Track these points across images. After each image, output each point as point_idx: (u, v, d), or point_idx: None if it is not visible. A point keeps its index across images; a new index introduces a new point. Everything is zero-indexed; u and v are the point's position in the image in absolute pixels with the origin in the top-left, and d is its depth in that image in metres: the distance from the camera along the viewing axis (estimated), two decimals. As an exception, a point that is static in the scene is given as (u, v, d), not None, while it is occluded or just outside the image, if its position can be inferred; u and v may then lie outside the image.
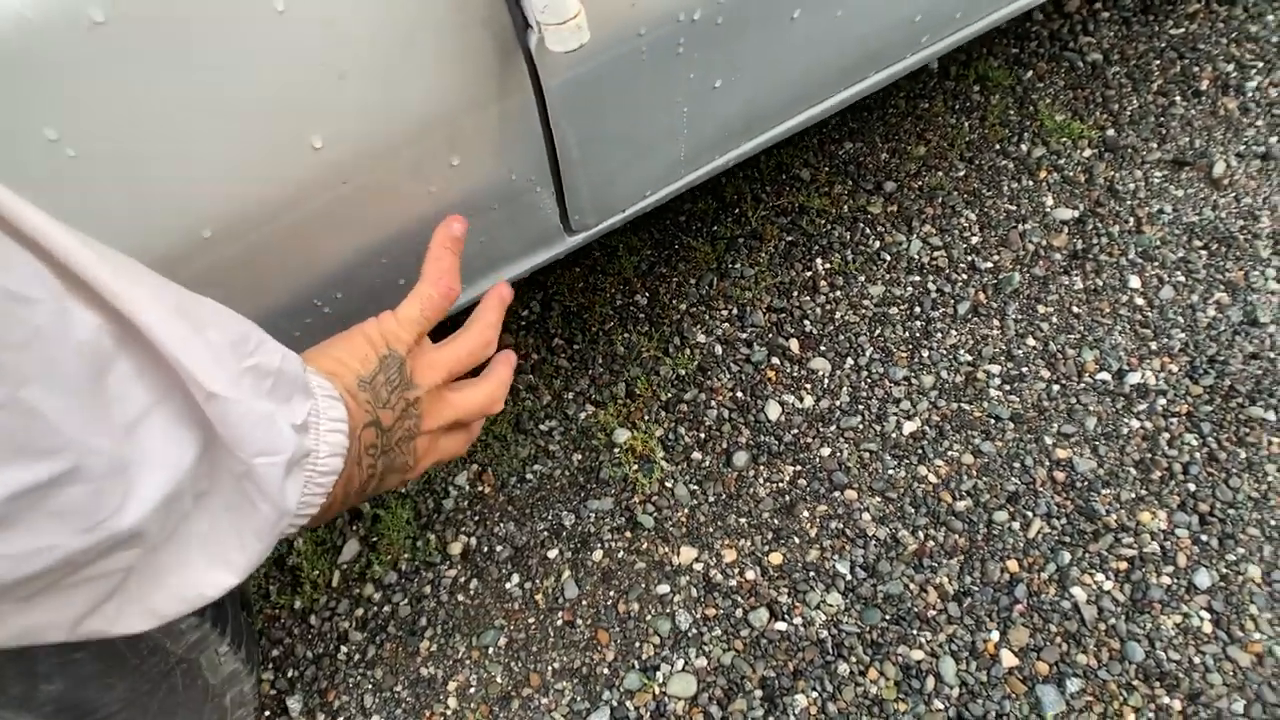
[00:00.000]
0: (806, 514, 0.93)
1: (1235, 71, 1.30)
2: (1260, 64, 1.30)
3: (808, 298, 1.12)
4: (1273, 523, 0.87)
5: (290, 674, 0.90)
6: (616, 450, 1.00)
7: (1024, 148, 1.26)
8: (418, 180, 0.51)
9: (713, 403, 1.03)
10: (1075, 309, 1.07)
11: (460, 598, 0.93)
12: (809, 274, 1.15)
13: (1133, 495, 0.91)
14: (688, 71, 0.56)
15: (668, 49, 0.53)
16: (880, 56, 0.73)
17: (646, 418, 1.03)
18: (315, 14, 0.40)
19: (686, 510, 0.95)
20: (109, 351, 0.25)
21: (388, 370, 0.42)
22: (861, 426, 0.99)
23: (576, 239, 0.67)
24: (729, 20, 0.54)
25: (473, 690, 0.87)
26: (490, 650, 0.89)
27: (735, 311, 1.12)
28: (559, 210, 0.62)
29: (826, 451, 0.97)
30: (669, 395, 1.05)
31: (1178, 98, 1.28)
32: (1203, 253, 1.11)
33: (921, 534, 0.90)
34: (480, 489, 1.01)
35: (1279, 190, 1.16)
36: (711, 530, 0.94)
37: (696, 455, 0.99)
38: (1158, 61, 1.34)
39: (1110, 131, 1.25)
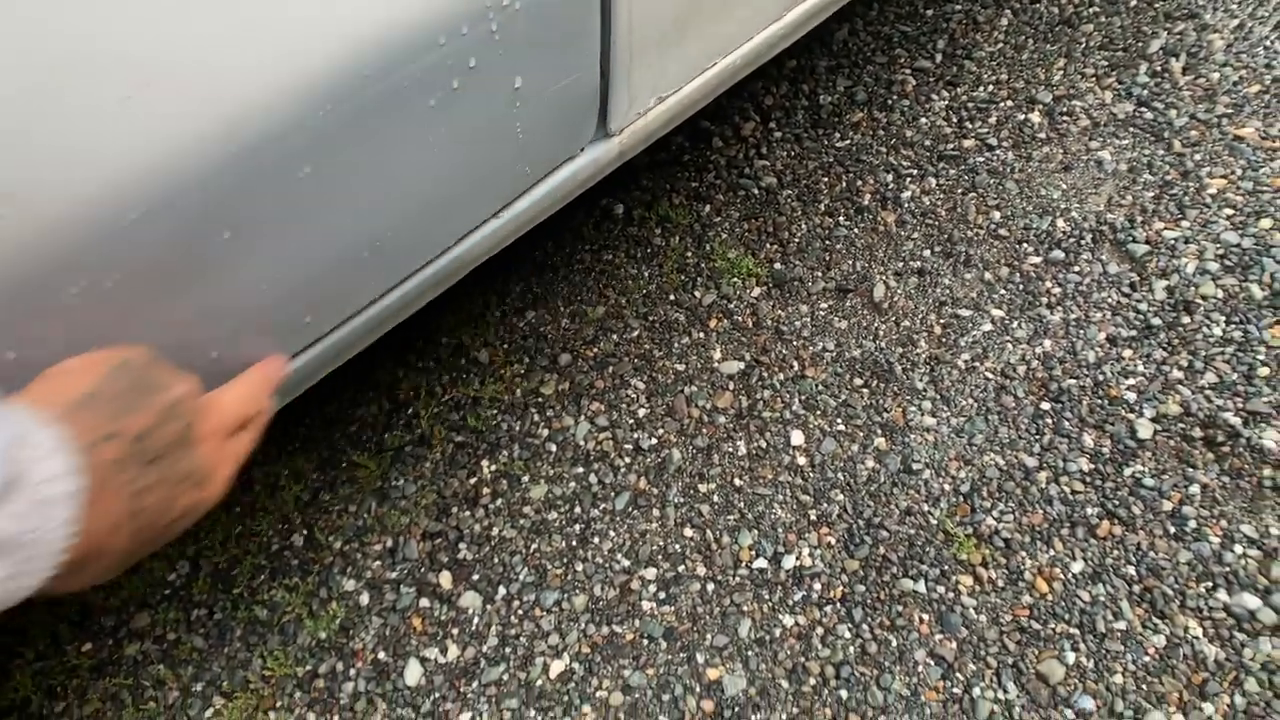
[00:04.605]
0: (439, 808, 0.78)
1: (893, 181, 1.26)
2: (915, 171, 1.27)
3: (467, 512, 0.99)
4: (922, 727, 0.77)
5: None
6: (235, 759, 0.83)
7: (698, 294, 1.17)
8: None
9: (351, 671, 0.88)
10: (738, 481, 0.97)
11: None
12: (473, 481, 1.02)
13: (784, 717, 0.79)
14: None
15: None
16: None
17: (278, 704, 0.87)
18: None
19: (307, 828, 0.79)
20: None
21: (125, 377, 0.36)
22: (505, 677, 0.85)
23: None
24: None
25: None
26: None
27: (389, 544, 0.97)
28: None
29: (466, 718, 0.83)
30: (305, 669, 0.89)
31: (842, 217, 1.23)
32: (863, 391, 1.04)
33: (561, 812, 0.76)
34: (82, 836, 0.82)
35: (934, 307, 1.11)
36: None
37: (325, 748, 0.83)
38: (825, 179, 1.29)
39: (779, 265, 1.18)
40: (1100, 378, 0.99)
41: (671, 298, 1.18)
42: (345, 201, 0.45)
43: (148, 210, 0.36)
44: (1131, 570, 0.83)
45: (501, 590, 0.91)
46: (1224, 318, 1.03)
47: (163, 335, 0.42)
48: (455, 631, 0.89)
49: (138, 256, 0.37)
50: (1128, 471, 0.90)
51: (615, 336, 1.14)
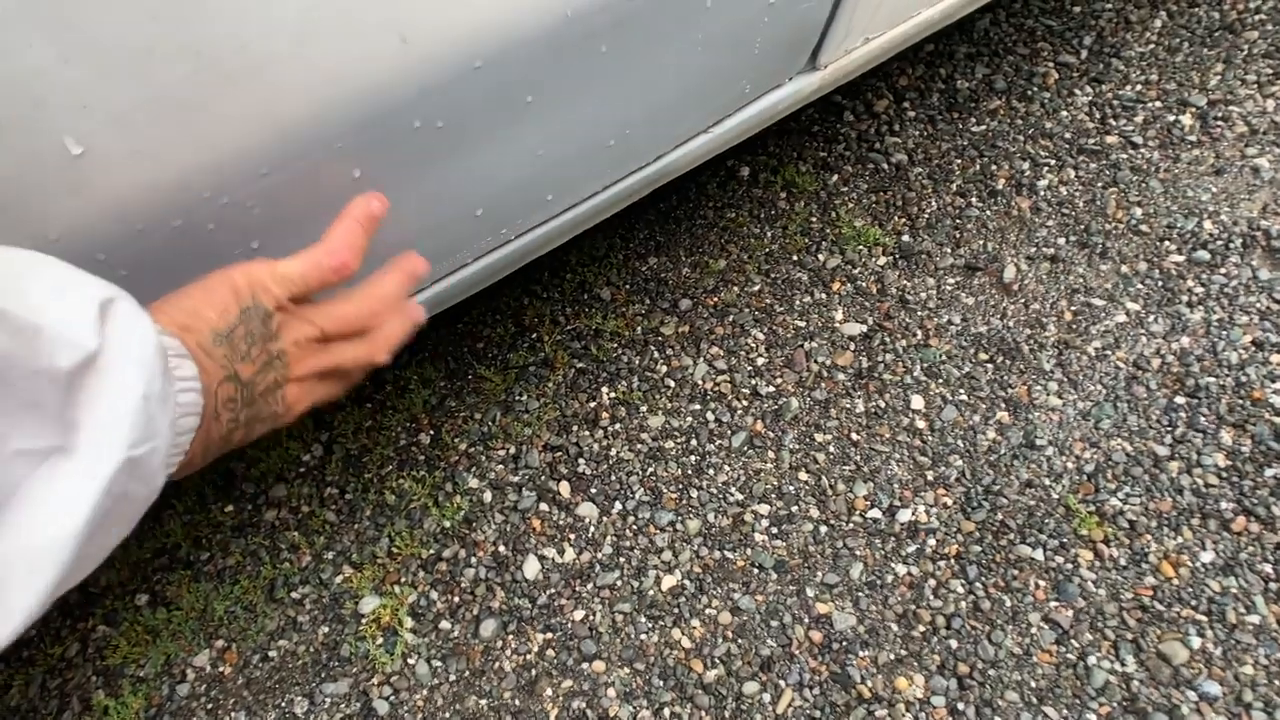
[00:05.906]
0: (549, 692, 0.82)
1: (1030, 170, 1.24)
2: (1053, 161, 1.25)
3: (587, 432, 1.02)
4: (1032, 684, 0.76)
5: None
6: (363, 622, 0.89)
7: (821, 258, 1.18)
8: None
9: (472, 560, 0.93)
10: (854, 435, 0.98)
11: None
12: (593, 405, 1.05)
13: (891, 656, 0.80)
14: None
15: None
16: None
17: (403, 580, 0.92)
18: None
19: (425, 691, 0.84)
20: None
21: (249, 322, 0.38)
22: (619, 583, 0.88)
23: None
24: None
25: None
26: None
27: (512, 451, 1.02)
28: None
29: (579, 615, 0.87)
30: (430, 552, 0.94)
31: (974, 199, 1.22)
32: (988, 366, 1.03)
33: (666, 711, 0.79)
34: (220, 669, 0.89)
35: (1066, 294, 1.09)
36: (447, 715, 0.82)
37: (445, 624, 0.88)
38: (959, 161, 1.28)
39: (906, 237, 1.18)
40: (1243, 379, 0.96)
41: (794, 258, 1.19)
42: (617, 85, 0.48)
43: (486, 62, 0.40)
44: (1269, 568, 0.81)
45: (618, 505, 0.94)
46: (1382, 336, 0.99)
47: (448, 184, 0.45)
48: (572, 536, 0.92)
49: (465, 103, 0.41)
50: (1269, 472, 0.88)
51: (736, 289, 1.16)
